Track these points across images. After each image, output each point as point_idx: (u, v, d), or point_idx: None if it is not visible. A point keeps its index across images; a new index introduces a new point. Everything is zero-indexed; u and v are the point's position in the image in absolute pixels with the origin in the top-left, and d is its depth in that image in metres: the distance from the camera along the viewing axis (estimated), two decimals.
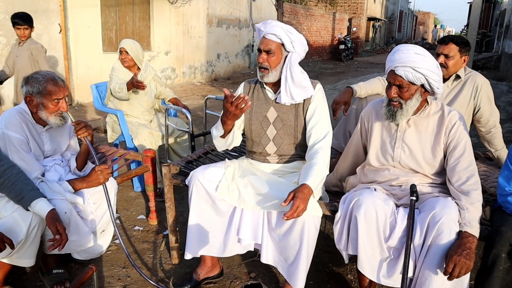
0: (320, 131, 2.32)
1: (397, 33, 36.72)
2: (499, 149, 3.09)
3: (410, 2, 42.59)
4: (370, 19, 28.27)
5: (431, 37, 50.65)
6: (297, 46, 2.32)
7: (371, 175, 2.36)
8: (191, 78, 12.42)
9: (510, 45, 14.02)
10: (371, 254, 2.11)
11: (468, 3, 27.34)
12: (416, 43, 33.98)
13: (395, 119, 2.18)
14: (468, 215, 1.96)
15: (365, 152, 2.47)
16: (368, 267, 2.12)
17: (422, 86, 2.13)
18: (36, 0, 7.55)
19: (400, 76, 2.10)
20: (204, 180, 2.38)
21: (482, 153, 3.40)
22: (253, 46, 15.41)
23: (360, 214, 2.07)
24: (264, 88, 2.46)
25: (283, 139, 2.43)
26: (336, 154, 3.13)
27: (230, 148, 2.48)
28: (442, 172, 2.24)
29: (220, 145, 2.44)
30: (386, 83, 2.28)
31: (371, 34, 29.63)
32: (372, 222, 2.06)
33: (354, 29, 25.53)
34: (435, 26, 56.10)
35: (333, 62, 20.89)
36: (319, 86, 2.41)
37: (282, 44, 2.30)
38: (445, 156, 2.20)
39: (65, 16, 8.12)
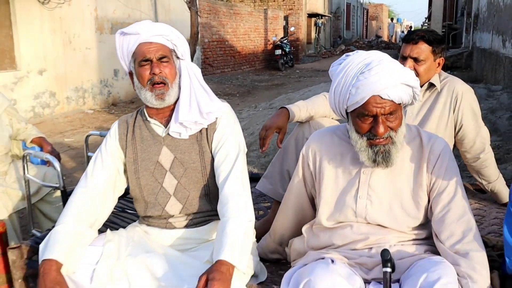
0: (230, 166, 1.90)
1: (345, 31, 31.92)
2: (493, 181, 2.55)
3: None
4: (311, 15, 24.39)
5: (387, 34, 44.71)
6: (187, 52, 1.98)
7: (324, 237, 1.90)
8: (79, 104, 9.60)
9: (482, 38, 12.13)
10: None
11: None
12: (370, 43, 30.33)
13: (391, 162, 1.73)
14: (473, 287, 1.60)
15: (313, 204, 2.03)
16: None
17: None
18: None
19: (391, 101, 1.69)
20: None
21: (470, 184, 2.84)
22: None
23: None
24: (149, 121, 1.98)
25: (189, 190, 1.95)
26: (271, 202, 2.63)
27: (95, 230, 1.90)
28: (427, 223, 1.86)
29: None
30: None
31: (313, 34, 25.63)
32: None
33: (292, 28, 21.81)
34: (392, 20, 49.67)
35: (269, 72, 18.03)
36: (225, 104, 2.05)
37: (173, 50, 1.94)
38: (429, 201, 1.81)
39: None
